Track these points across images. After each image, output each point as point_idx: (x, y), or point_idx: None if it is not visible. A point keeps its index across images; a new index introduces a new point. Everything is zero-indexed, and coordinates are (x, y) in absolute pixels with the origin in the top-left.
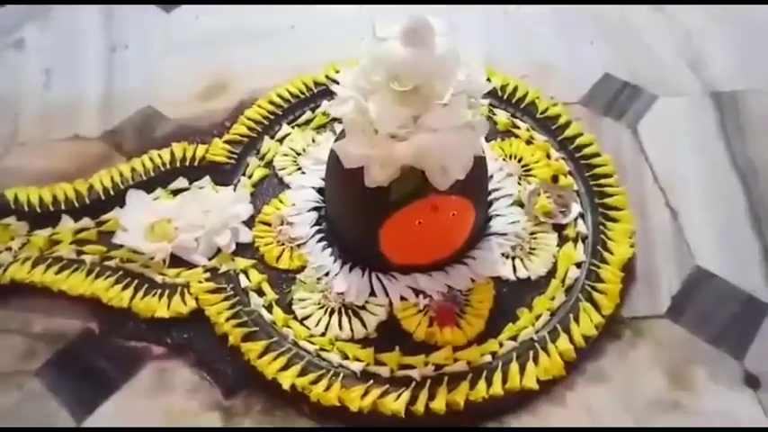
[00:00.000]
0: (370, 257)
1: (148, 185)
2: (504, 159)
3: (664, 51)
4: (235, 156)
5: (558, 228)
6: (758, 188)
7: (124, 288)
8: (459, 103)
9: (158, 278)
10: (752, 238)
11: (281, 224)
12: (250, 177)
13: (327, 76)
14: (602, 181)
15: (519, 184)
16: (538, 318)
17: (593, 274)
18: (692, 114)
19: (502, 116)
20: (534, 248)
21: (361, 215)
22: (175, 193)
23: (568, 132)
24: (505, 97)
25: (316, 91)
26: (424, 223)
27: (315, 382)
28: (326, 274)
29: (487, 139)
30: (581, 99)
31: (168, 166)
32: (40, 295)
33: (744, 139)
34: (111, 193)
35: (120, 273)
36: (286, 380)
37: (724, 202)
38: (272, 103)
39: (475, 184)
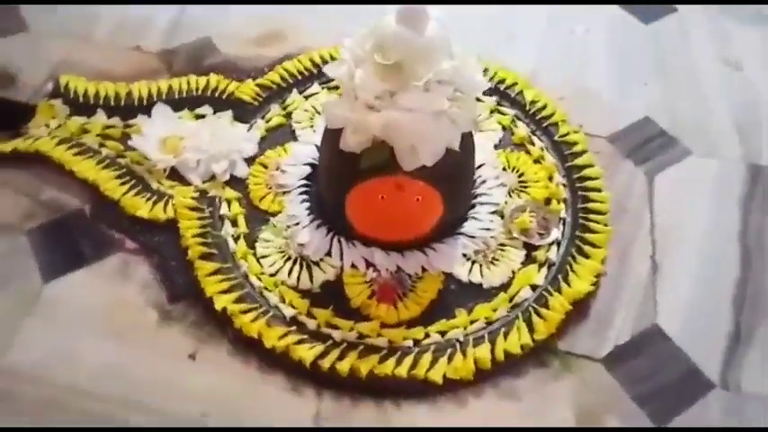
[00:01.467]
0: (337, 220)
1: (177, 104)
2: (504, 169)
3: (719, 110)
4: (260, 98)
5: (530, 248)
6: (758, 269)
7: (122, 184)
8: (440, 92)
9: (154, 185)
10: (726, 316)
11: (276, 170)
12: (268, 122)
13: None
14: (592, 216)
15: (509, 196)
16: (473, 322)
17: (543, 298)
18: (720, 179)
19: (522, 129)
20: (497, 259)
21: (333, 177)
22: (198, 117)
23: (579, 161)
24: (531, 112)
25: None
26: (386, 199)
27: (245, 312)
28: (296, 225)
29: (497, 147)
30: (610, 135)
31: (200, 93)
32: (55, 171)
33: (765, 216)
34: (145, 102)
35: (125, 170)
36: (221, 302)
37: (714, 272)
38: (311, 61)
39: (448, 178)
